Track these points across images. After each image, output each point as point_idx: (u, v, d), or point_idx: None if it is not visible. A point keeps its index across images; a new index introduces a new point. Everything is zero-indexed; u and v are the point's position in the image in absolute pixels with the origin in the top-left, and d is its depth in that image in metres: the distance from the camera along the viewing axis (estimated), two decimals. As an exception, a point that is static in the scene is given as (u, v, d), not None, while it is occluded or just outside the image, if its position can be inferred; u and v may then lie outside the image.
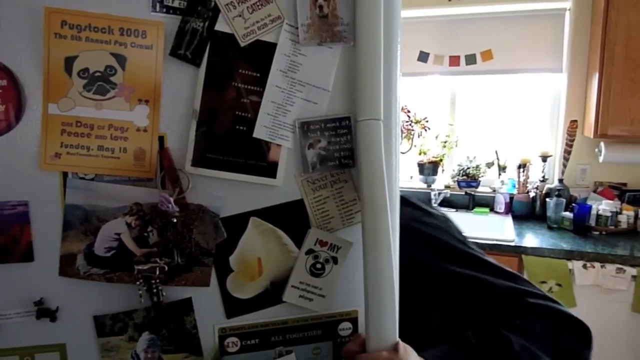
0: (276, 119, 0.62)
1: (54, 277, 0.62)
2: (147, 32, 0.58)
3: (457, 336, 0.70)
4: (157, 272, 0.61)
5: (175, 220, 0.61)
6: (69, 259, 0.61)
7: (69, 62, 0.57)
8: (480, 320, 0.72)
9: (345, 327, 0.68)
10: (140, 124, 0.60)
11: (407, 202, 0.77)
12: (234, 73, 0.61)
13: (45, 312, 0.63)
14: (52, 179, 0.60)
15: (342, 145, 0.64)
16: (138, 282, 0.62)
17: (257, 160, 0.62)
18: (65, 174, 0.60)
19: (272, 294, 0.66)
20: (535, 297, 0.73)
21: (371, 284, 0.60)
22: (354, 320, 0.68)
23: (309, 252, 0.65)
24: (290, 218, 0.65)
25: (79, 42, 0.57)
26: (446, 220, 0.81)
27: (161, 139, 0.61)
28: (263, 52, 0.61)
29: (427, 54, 2.90)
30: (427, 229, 0.76)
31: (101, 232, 0.61)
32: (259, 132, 0.62)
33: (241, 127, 0.62)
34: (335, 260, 0.66)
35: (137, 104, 0.59)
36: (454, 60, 2.86)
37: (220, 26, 0.59)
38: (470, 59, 2.83)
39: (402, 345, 0.61)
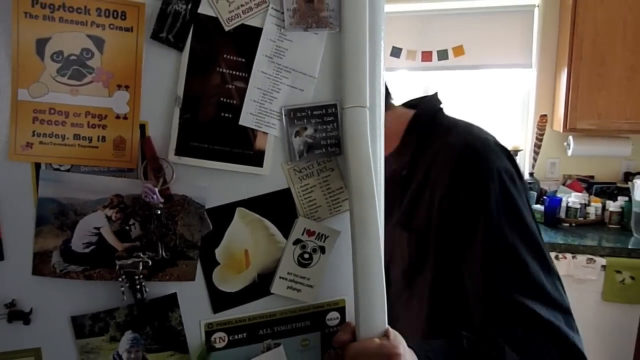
0: (262, 106, 0.60)
1: (27, 276, 0.58)
2: (127, 13, 0.55)
3: (452, 334, 0.70)
4: (140, 268, 0.58)
5: (159, 212, 0.58)
6: (43, 256, 0.57)
7: (41, 44, 0.54)
8: (484, 310, 0.71)
9: (333, 317, 0.68)
10: (120, 111, 0.57)
11: (508, 154, 0.79)
12: (218, 58, 0.58)
13: (18, 314, 0.59)
14: (24, 170, 0.56)
15: (328, 132, 0.63)
16: (120, 279, 0.58)
17: (244, 148, 0.60)
18: (38, 165, 0.56)
19: (260, 286, 0.64)
20: (560, 310, 0.70)
21: (360, 272, 0.60)
22: (341, 310, 0.67)
23: (297, 242, 0.64)
24: (277, 208, 0.63)
25: (52, 22, 0.53)
26: (527, 190, 0.81)
27: (142, 127, 0.58)
28: (248, 37, 0.59)
29: (400, 49, 2.92)
30: (512, 188, 0.75)
31: (79, 227, 0.57)
32: (245, 120, 0.60)
33: (226, 115, 0.59)
34: (322, 250, 0.65)
35: (116, 89, 0.56)
36: (427, 56, 2.90)
37: (204, 9, 0.57)
38: (443, 55, 2.87)
39: (393, 332, 0.60)
